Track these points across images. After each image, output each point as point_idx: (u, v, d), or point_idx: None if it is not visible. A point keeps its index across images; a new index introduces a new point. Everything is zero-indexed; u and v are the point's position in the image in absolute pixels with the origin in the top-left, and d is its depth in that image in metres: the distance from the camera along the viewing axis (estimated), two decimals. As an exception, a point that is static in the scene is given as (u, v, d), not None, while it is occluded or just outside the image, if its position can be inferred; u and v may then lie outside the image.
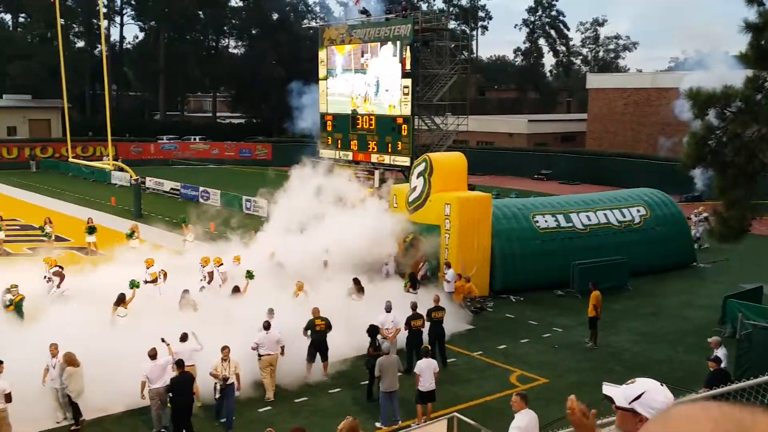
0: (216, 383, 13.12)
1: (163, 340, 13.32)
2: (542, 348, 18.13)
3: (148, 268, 19.69)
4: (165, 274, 19.65)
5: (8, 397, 11.90)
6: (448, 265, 21.01)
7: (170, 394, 12.44)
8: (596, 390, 3.52)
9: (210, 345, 13.82)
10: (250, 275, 18.80)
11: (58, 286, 18.82)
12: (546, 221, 23.89)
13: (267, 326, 14.65)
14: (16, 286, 17.49)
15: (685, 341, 18.55)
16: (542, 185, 50.14)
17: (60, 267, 19.70)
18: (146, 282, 19.01)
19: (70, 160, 45.46)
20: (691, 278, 25.34)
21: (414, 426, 12.80)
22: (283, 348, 14.70)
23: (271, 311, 15.30)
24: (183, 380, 12.34)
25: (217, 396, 13.12)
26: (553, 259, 23.01)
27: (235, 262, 20.80)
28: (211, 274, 19.94)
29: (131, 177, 38.58)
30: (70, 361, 12.93)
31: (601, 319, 18.38)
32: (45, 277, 19.64)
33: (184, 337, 13.84)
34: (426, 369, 13.43)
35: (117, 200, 41.04)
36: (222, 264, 20.38)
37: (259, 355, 14.54)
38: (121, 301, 16.76)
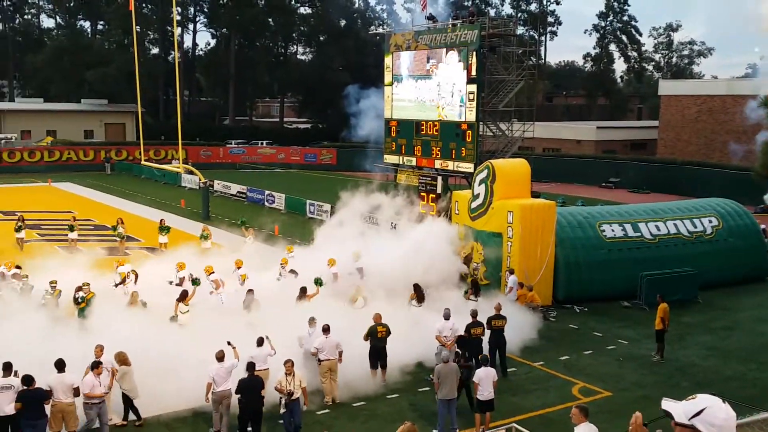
0: (281, 398, 12.87)
1: (229, 344, 13.45)
2: (606, 360, 17.68)
3: (179, 271, 20.29)
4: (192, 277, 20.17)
5: (76, 392, 12.28)
6: (511, 272, 20.74)
7: (239, 396, 12.47)
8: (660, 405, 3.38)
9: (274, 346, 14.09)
10: (319, 282, 18.94)
11: (135, 283, 19.64)
12: (613, 230, 23.34)
13: (326, 329, 14.71)
14: (88, 284, 18.08)
15: (758, 358, 17.81)
16: (610, 193, 49.06)
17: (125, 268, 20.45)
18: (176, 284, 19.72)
19: (143, 162, 46.86)
20: (765, 292, 24.33)
21: None
22: (341, 353, 14.72)
23: (312, 320, 15.26)
24: (252, 383, 12.40)
25: (282, 411, 12.91)
26: (619, 270, 22.45)
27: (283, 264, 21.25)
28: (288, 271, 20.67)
29: (200, 180, 39.49)
30: (123, 360, 13.16)
31: (669, 332, 17.82)
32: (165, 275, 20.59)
33: (260, 342, 13.98)
34: (485, 378, 13.26)
35: (186, 202, 42.06)
36: (287, 263, 21.01)
37: (319, 360, 14.60)
38: (183, 297, 17.28)
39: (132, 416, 13.53)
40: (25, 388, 11.87)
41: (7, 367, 12.20)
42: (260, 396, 12.46)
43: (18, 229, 28.24)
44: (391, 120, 35.01)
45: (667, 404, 3.09)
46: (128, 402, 13.41)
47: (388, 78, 35.56)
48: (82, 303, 17.64)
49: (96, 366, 12.57)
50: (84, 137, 69.66)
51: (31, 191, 48.10)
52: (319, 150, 69.34)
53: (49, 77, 78.08)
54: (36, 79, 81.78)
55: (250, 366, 12.55)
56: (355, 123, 40.29)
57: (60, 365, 12.37)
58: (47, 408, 12.12)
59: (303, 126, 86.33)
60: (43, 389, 12.03)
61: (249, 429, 12.65)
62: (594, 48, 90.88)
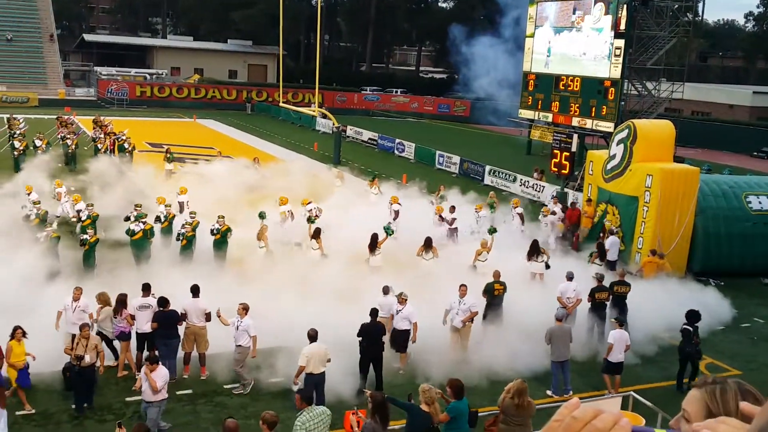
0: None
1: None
2: (738, 338, 16.68)
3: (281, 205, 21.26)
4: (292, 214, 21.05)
5: (208, 317, 12.97)
6: (611, 232, 20.04)
7: (360, 339, 12.70)
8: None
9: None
10: (389, 230, 18.89)
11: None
12: (761, 203, 21.73)
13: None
14: (223, 217, 18.91)
15: None
16: (762, 164, 45.70)
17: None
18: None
19: (281, 104, 48.19)
20: None
21: (607, 395, 12.54)
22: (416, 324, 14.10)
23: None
24: (374, 329, 12.62)
25: None
26: (763, 245, 20.97)
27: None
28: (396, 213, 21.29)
29: (334, 124, 40.19)
30: (106, 301, 13.11)
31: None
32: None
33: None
34: (619, 340, 12.99)
35: (319, 146, 43.02)
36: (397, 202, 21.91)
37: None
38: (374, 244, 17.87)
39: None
40: (160, 309, 12.68)
41: (146, 288, 13.08)
42: (381, 341, 12.63)
43: (168, 160, 29.74)
44: (529, 73, 33.98)
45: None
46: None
47: (530, 29, 34.40)
48: (217, 235, 18.52)
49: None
50: (228, 77, 72.45)
51: (177, 126, 50.75)
52: (452, 101, 68.71)
53: (199, 16, 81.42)
54: (187, 18, 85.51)
55: (374, 312, 12.72)
56: (488, 75, 39.41)
57: (195, 290, 13.10)
58: (180, 329, 12.90)
59: (439, 76, 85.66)
60: (177, 311, 12.80)
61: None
62: (757, 6, 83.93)
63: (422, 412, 8.97)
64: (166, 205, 20.42)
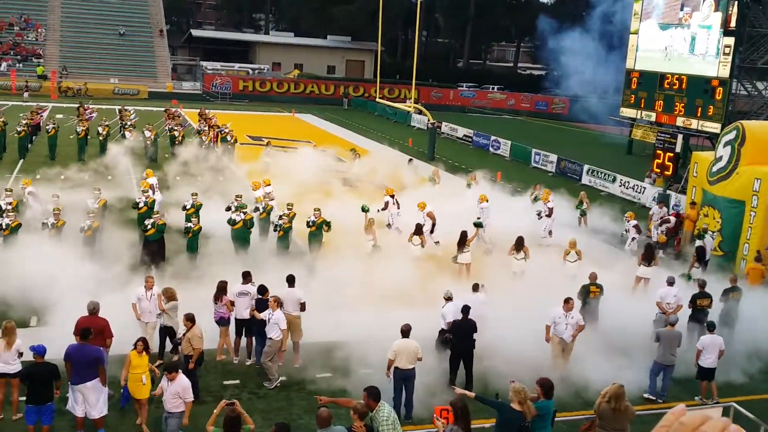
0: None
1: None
2: None
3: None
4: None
5: (303, 306, 13.31)
6: (701, 236, 19.22)
7: (451, 336, 12.74)
8: None
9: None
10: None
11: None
12: None
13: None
14: (319, 209, 19.30)
15: None
16: None
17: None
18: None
19: (377, 100, 48.63)
20: None
21: (697, 399, 12.28)
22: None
23: (476, 285, 14.81)
24: (466, 325, 12.63)
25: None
26: None
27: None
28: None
29: (429, 120, 40.25)
30: (171, 296, 13.09)
31: None
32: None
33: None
34: (710, 345, 12.64)
35: (414, 142, 43.17)
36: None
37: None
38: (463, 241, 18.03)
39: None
40: (259, 297, 13.10)
41: (246, 276, 13.53)
42: (472, 339, 12.61)
43: (265, 154, 30.61)
44: (632, 71, 33.01)
45: None
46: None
47: (634, 25, 33.40)
48: (312, 227, 18.94)
49: None
50: (326, 72, 73.66)
51: (277, 120, 52.06)
52: (551, 98, 67.47)
53: (301, 12, 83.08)
54: (289, 14, 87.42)
55: (466, 309, 12.72)
56: (588, 72, 38.48)
57: (290, 280, 13.46)
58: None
59: (537, 72, 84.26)
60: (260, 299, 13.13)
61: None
62: None
63: (513, 410, 8.93)
64: (265, 195, 21.01)
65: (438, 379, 12.55)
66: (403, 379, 11.34)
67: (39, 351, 10.21)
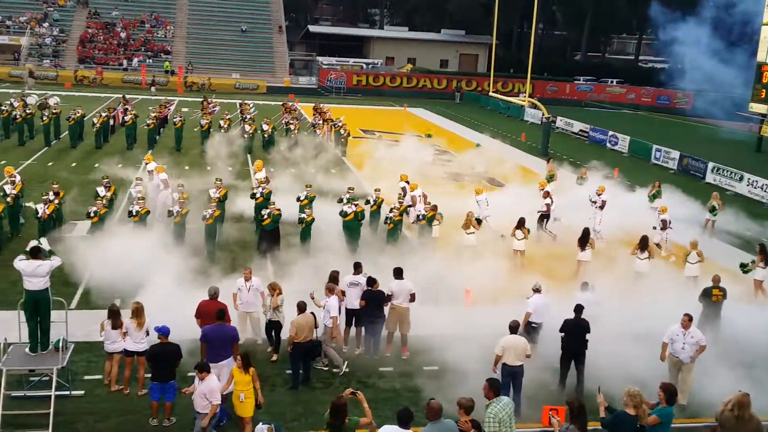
0: None
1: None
2: None
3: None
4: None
5: (413, 297, 13.40)
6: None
7: (562, 335, 12.50)
8: None
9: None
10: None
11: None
12: None
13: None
14: (431, 203, 19.42)
15: None
16: None
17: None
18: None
19: (490, 94, 48.14)
20: None
21: None
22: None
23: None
24: (578, 325, 12.34)
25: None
26: None
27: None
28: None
29: (543, 115, 39.48)
30: (277, 289, 13.08)
31: None
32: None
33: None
34: None
35: (527, 136, 42.48)
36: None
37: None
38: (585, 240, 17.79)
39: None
40: (368, 288, 13.31)
41: (357, 266, 13.77)
42: (585, 339, 12.30)
43: (376, 148, 31.06)
44: (763, 64, 31.13)
45: None
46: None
47: (766, 16, 31.46)
48: (422, 221, 19.06)
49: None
50: (439, 66, 73.59)
51: (389, 114, 52.53)
52: (674, 93, 64.60)
53: (416, 6, 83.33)
54: (404, 9, 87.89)
55: (578, 308, 12.43)
56: (714, 66, 36.57)
57: (398, 272, 13.58)
58: (386, 309, 13.47)
59: (659, 66, 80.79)
60: (384, 292, 13.35)
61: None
62: None
63: (628, 414, 8.67)
64: (375, 190, 21.31)
65: (547, 376, 12.36)
66: (511, 375, 11.23)
67: (163, 332, 10.81)
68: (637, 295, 15.26)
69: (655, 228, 20.12)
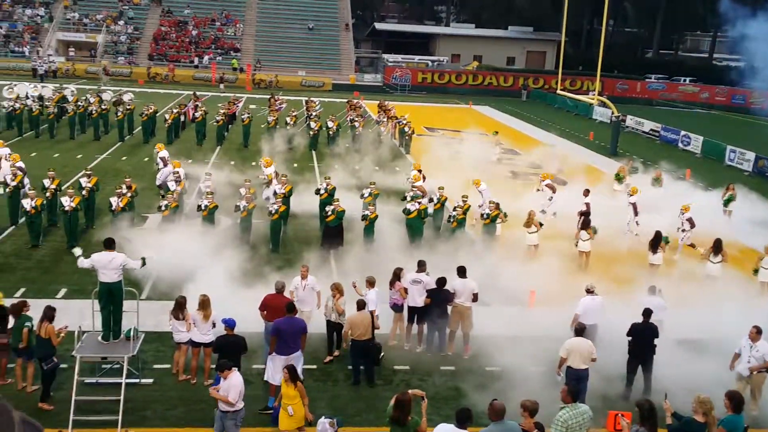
0: None
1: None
2: None
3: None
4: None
5: (475, 297, 13.33)
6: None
7: (629, 339, 12.23)
8: None
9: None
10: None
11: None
12: None
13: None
14: (495, 203, 19.26)
15: None
16: None
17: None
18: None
19: (558, 92, 47.35)
20: None
21: None
22: None
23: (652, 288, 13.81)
24: (646, 329, 12.04)
25: None
26: None
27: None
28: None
29: (613, 114, 38.64)
30: (340, 291, 12.99)
31: None
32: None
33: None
34: None
35: (595, 135, 41.66)
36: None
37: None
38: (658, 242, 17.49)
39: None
40: (436, 288, 13.25)
41: (421, 264, 13.75)
42: (653, 344, 12.00)
43: (440, 145, 31.01)
44: None
45: None
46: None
47: None
48: (486, 219, 18.92)
49: None
50: (506, 63, 72.81)
51: (453, 112, 52.25)
52: (749, 92, 62.33)
53: (483, 3, 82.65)
54: (470, 6, 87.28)
55: (647, 312, 12.13)
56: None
57: (462, 271, 13.51)
58: (449, 308, 13.42)
59: (734, 64, 78.06)
60: (449, 291, 13.28)
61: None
62: None
63: (696, 422, 8.43)
64: (439, 188, 21.28)
65: (610, 381, 12.11)
66: (576, 379, 11.02)
67: (230, 324, 11.04)
68: (708, 300, 14.82)
69: (684, 230, 19.56)
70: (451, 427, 8.05)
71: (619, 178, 25.56)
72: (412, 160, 30.28)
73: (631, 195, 21.14)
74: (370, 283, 13.04)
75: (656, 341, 12.00)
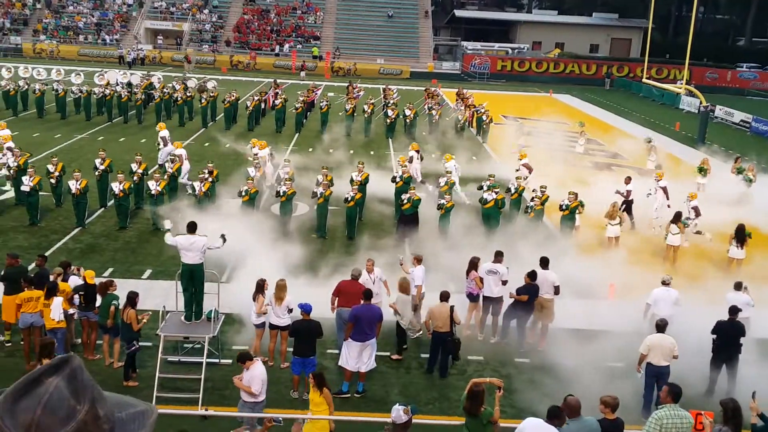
0: None
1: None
2: None
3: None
4: None
5: (557, 290, 13.05)
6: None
7: (714, 337, 11.80)
8: None
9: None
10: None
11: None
12: None
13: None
14: (575, 193, 18.86)
15: None
16: None
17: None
18: None
19: (644, 80, 45.83)
20: None
21: None
22: None
23: (738, 284, 13.17)
24: (731, 327, 11.53)
25: None
26: None
27: None
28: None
29: (701, 103, 37.18)
30: (406, 289, 12.76)
31: None
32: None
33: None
34: None
35: (681, 126, 40.23)
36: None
37: None
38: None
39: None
40: (529, 283, 12.98)
41: (498, 255, 13.56)
42: (739, 343, 11.52)
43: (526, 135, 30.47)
44: None
45: None
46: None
47: None
48: (565, 211, 18.55)
49: None
50: (589, 51, 71.03)
51: (533, 100, 51.31)
52: None
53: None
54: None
55: (733, 309, 11.67)
56: None
57: (544, 262, 13.29)
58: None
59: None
60: (537, 285, 13.01)
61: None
62: None
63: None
64: (516, 178, 20.99)
65: (692, 379, 11.72)
66: (656, 376, 10.71)
67: (306, 309, 11.21)
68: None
69: (689, 218, 18.83)
70: (539, 421, 7.94)
71: (702, 170, 24.58)
72: (490, 149, 29.98)
73: (658, 180, 20.62)
74: (417, 259, 13.31)
75: (742, 340, 11.54)
